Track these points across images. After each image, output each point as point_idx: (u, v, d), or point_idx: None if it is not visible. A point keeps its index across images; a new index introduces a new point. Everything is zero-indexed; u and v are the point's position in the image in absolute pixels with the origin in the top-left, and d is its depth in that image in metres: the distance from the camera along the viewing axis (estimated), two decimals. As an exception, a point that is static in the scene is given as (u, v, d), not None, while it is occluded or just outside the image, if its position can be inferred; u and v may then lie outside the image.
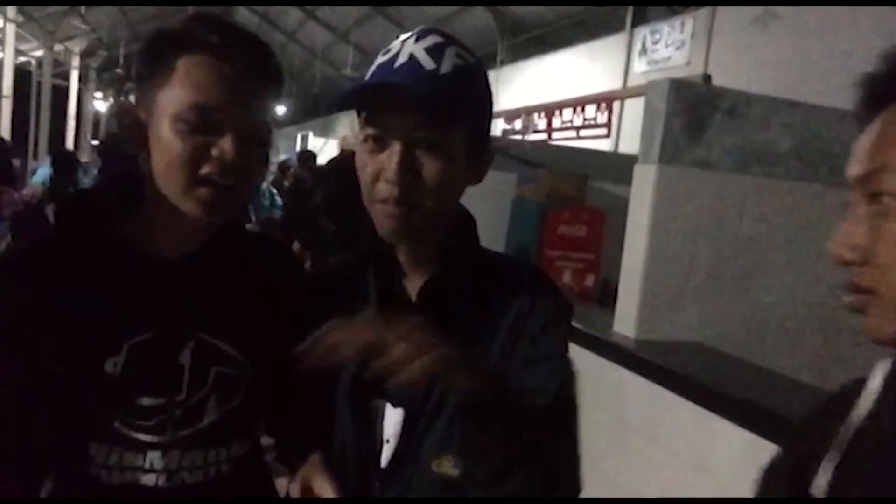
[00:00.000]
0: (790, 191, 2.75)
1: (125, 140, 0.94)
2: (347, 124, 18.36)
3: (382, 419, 0.92)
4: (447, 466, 0.87)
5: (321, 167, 5.66)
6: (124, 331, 0.90)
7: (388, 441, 0.92)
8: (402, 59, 0.88)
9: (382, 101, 0.87)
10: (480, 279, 0.95)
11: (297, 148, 13.65)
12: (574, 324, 3.18)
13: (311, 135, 13.54)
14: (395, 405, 0.92)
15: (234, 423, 0.96)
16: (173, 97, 0.86)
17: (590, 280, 4.86)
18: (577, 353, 3.13)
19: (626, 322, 2.83)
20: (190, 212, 0.89)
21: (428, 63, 0.87)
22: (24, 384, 0.87)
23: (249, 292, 1.00)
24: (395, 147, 0.87)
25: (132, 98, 0.91)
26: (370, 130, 0.89)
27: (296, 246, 4.28)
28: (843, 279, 2.65)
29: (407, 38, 0.90)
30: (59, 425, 0.89)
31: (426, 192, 0.88)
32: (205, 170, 0.87)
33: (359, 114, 0.91)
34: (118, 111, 1.11)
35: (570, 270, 4.82)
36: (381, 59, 0.91)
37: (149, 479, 0.90)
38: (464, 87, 0.89)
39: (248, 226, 4.15)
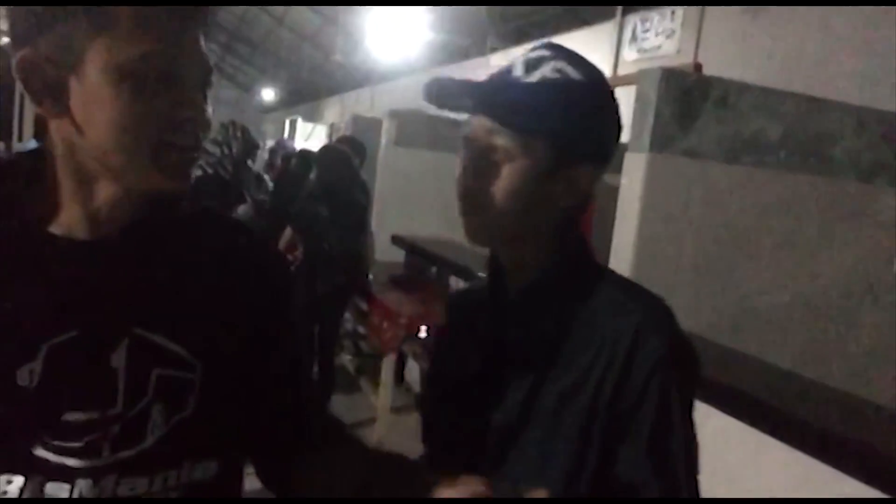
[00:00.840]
0: (780, 180, 2.76)
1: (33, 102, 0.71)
2: (336, 110, 18.27)
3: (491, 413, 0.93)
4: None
5: (313, 153, 5.62)
6: (41, 330, 0.71)
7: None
8: (502, 66, 0.89)
9: (458, 101, 0.89)
10: (566, 299, 0.90)
11: (286, 133, 13.57)
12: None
13: (299, 120, 13.47)
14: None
15: (186, 440, 0.77)
16: (117, 48, 0.68)
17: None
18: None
19: (614, 311, 2.84)
20: (154, 185, 0.73)
21: (517, 71, 0.87)
22: None
23: (199, 278, 0.81)
24: (470, 150, 0.88)
25: (33, 50, 0.70)
26: (464, 130, 0.90)
27: (288, 231, 4.26)
28: (828, 267, 2.64)
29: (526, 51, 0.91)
30: None
31: (489, 198, 0.87)
32: (169, 133, 0.71)
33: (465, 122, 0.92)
34: (18, 68, 0.62)
35: (558, 258, 4.82)
36: None
37: None
38: (549, 99, 0.85)
39: (242, 208, 4.07)
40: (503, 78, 0.88)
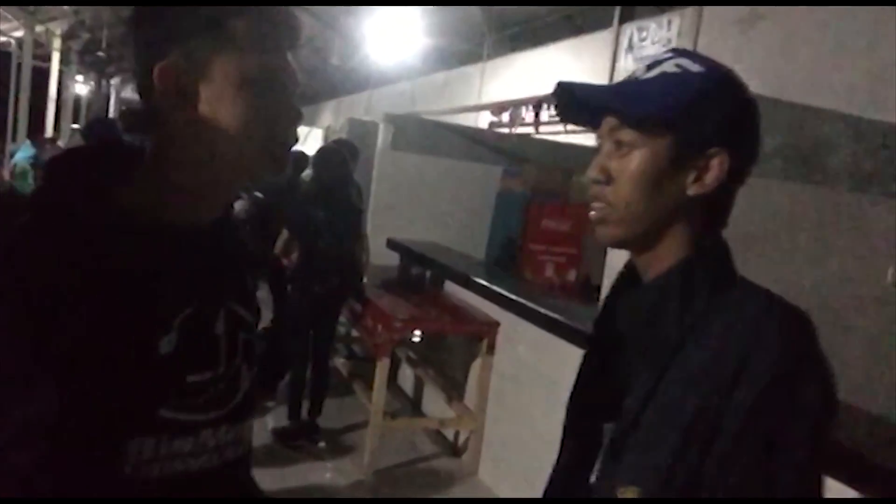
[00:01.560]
0: (777, 189, 2.77)
1: (167, 106, 0.85)
2: (332, 114, 18.26)
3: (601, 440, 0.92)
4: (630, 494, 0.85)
5: (305, 154, 5.61)
6: (172, 306, 0.85)
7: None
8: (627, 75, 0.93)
9: (579, 114, 0.94)
10: (691, 299, 0.87)
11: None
12: (558, 317, 3.16)
13: (295, 123, 13.43)
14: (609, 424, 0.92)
15: (253, 395, 0.96)
16: (237, 60, 0.84)
17: (572, 274, 4.88)
18: (561, 347, 3.13)
19: (608, 317, 2.84)
20: (262, 168, 0.88)
21: (639, 73, 0.91)
22: (48, 389, 0.76)
23: (241, 259, 1.02)
24: (595, 156, 0.91)
25: (169, 61, 0.85)
26: (596, 140, 0.93)
27: (285, 233, 4.24)
28: (823, 276, 2.64)
29: None
30: (89, 431, 0.78)
31: (616, 194, 0.88)
32: (281, 130, 0.87)
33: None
34: (159, 76, 0.74)
35: (552, 264, 4.83)
36: None
37: (202, 462, 0.87)
38: (666, 88, 0.87)
39: (239, 204, 4.05)
40: (626, 80, 0.92)
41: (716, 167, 0.87)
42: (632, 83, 0.90)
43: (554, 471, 1.03)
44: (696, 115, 0.86)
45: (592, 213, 0.92)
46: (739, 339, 0.82)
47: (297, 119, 0.90)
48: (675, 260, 0.89)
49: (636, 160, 0.87)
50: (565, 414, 1.03)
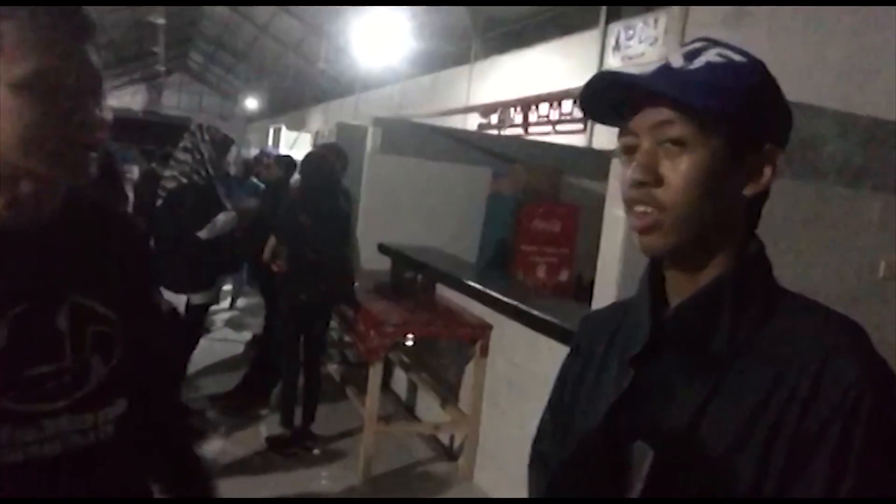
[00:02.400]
0: (765, 186, 2.76)
1: None
2: (321, 118, 18.22)
3: (635, 461, 0.84)
4: None
5: (291, 159, 5.58)
6: (2, 303, 0.87)
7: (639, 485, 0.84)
8: (654, 65, 0.82)
9: (623, 105, 0.83)
10: (742, 311, 0.81)
11: (269, 141, 13.51)
12: (551, 318, 3.13)
13: (283, 128, 13.41)
14: (651, 448, 0.84)
15: (116, 382, 0.97)
16: (8, 65, 0.81)
17: (564, 275, 4.87)
18: (554, 348, 3.12)
19: (601, 317, 2.83)
20: (59, 178, 0.88)
21: (677, 62, 0.81)
22: None
23: (106, 254, 1.01)
24: (642, 148, 0.81)
25: None
26: (623, 140, 0.84)
27: (272, 240, 4.21)
28: (815, 271, 2.63)
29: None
30: None
31: (671, 198, 0.79)
32: (70, 134, 0.85)
33: (620, 132, 0.85)
34: None
35: (544, 265, 4.82)
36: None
37: (43, 451, 0.89)
38: (722, 78, 0.79)
39: (221, 217, 4.02)
40: (665, 69, 0.81)
41: (771, 165, 0.82)
42: (682, 73, 0.80)
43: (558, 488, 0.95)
44: (754, 110, 0.80)
45: (638, 221, 0.82)
46: (811, 350, 0.76)
47: (93, 121, 0.87)
48: (721, 268, 0.83)
49: (694, 160, 0.79)
50: (565, 434, 0.95)
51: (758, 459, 0.75)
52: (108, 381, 0.96)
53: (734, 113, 0.79)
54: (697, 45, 0.83)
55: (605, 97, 0.84)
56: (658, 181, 0.80)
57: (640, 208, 0.81)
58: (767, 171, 0.82)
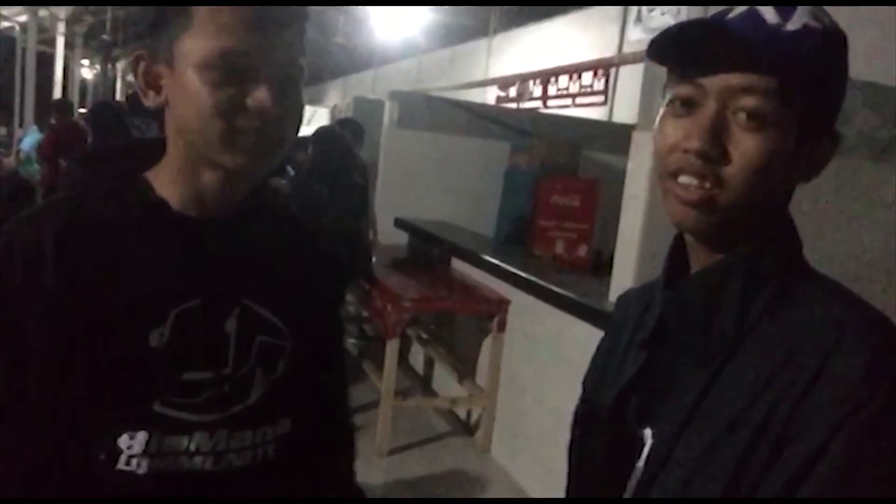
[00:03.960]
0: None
1: (140, 97, 0.84)
2: (338, 93, 18.15)
3: (638, 447, 0.80)
4: None
5: (308, 136, 5.58)
6: (171, 298, 0.81)
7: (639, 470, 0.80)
8: (738, 10, 0.71)
9: (701, 52, 0.70)
10: (753, 291, 0.74)
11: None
12: (569, 294, 3.12)
13: (301, 103, 13.38)
14: (651, 435, 0.79)
15: (280, 399, 0.89)
16: (197, 44, 0.77)
17: (582, 250, 4.82)
18: (572, 323, 3.10)
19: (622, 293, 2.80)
20: (229, 164, 0.81)
21: (771, 17, 0.69)
22: (45, 371, 0.77)
23: (286, 258, 0.93)
24: (707, 110, 0.70)
25: (142, 49, 0.83)
26: (681, 89, 0.72)
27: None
28: (840, 245, 2.57)
29: None
30: (84, 417, 0.79)
31: (733, 173, 0.69)
32: (242, 121, 0.78)
33: (670, 72, 0.75)
34: (133, 63, 0.74)
35: (562, 240, 4.77)
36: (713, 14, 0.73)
37: (194, 464, 0.82)
38: (812, 53, 0.69)
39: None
40: (757, 24, 0.69)
41: (828, 146, 0.73)
42: (778, 35, 0.68)
43: (574, 480, 0.91)
44: (832, 89, 0.71)
45: (687, 194, 0.71)
46: (818, 339, 0.68)
47: (279, 113, 0.80)
48: (743, 246, 0.74)
49: (770, 140, 0.69)
50: (587, 412, 0.90)
51: (737, 459, 0.68)
52: (270, 396, 0.88)
53: (816, 93, 0.70)
54: None
55: (677, 40, 0.72)
56: (723, 155, 0.70)
57: (689, 180, 0.71)
58: (824, 152, 0.74)
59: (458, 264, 4.50)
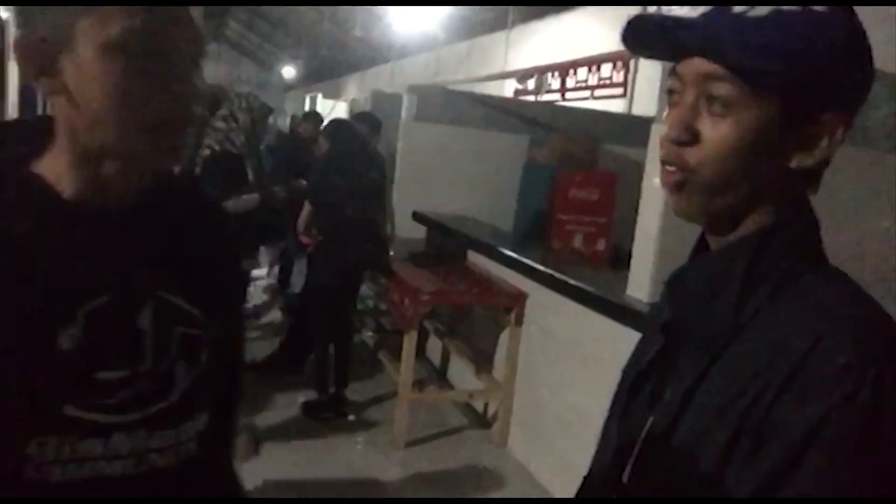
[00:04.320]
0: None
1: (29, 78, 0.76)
2: (357, 86, 18.18)
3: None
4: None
5: (323, 128, 5.60)
6: (78, 295, 0.76)
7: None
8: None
9: (661, 44, 0.73)
10: (753, 282, 0.73)
11: (306, 109, 13.55)
12: (586, 287, 3.10)
13: (319, 97, 13.40)
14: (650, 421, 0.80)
15: (201, 392, 0.85)
16: (101, 25, 0.71)
17: (601, 244, 4.80)
18: (590, 317, 3.07)
19: (640, 287, 2.78)
20: (135, 150, 0.76)
21: (740, 5, 0.70)
22: None
23: (193, 244, 0.89)
24: (684, 99, 0.73)
25: (29, 30, 0.75)
26: (669, 82, 0.75)
27: (306, 209, 4.21)
28: (862, 236, 2.53)
29: None
30: None
31: (704, 160, 0.71)
32: (148, 105, 0.74)
33: (670, 71, 0.77)
34: (17, 47, 0.75)
35: (581, 234, 4.75)
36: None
37: (113, 469, 0.77)
38: (788, 35, 0.68)
39: (245, 198, 4.04)
40: (723, 12, 0.70)
41: (829, 136, 0.71)
42: (740, 22, 0.69)
43: (590, 467, 0.92)
44: (821, 73, 0.69)
45: (666, 178, 0.75)
46: (806, 329, 0.67)
47: (192, 94, 0.76)
48: (744, 234, 0.75)
49: (738, 124, 0.70)
50: (614, 395, 0.91)
51: (723, 447, 0.68)
52: (191, 391, 0.83)
53: (795, 76, 0.69)
54: None
55: (635, 32, 0.75)
56: (694, 140, 0.72)
57: (669, 167, 0.74)
58: (824, 142, 0.71)
59: (475, 258, 4.50)
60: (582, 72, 6.57)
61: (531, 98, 6.54)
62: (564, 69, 6.58)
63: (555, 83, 7.11)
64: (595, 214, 4.76)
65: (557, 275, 3.44)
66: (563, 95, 6.96)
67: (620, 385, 0.91)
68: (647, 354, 0.85)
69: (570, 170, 4.77)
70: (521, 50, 10.21)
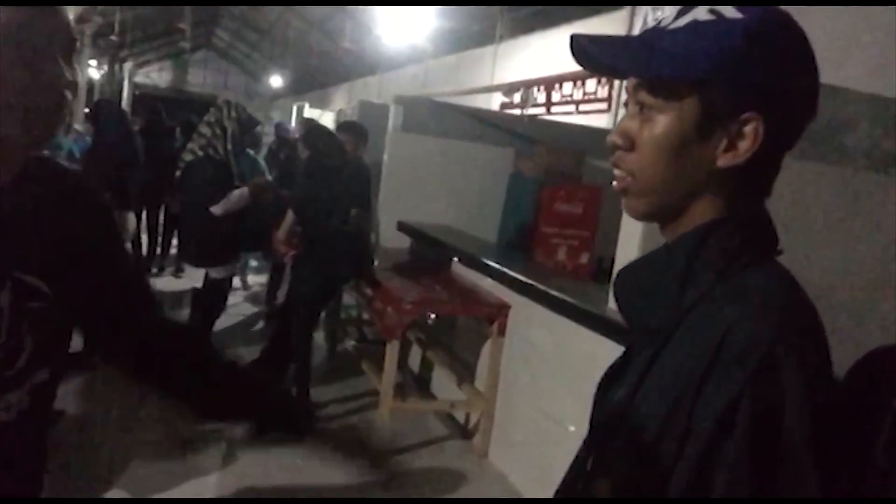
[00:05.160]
0: (791, 170, 2.71)
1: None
2: (344, 97, 18.20)
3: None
4: (604, 492, 0.80)
5: (302, 135, 5.61)
6: None
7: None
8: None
9: (590, 58, 0.80)
10: (697, 281, 0.76)
11: (293, 119, 13.55)
12: (569, 299, 3.11)
13: (306, 106, 13.41)
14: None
15: (44, 356, 0.94)
16: None
17: (584, 258, 4.84)
18: (572, 329, 3.08)
19: (620, 299, 2.81)
20: (15, 144, 0.82)
21: (667, 20, 0.77)
22: None
23: (53, 223, 0.94)
24: (628, 111, 0.81)
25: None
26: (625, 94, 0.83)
27: (289, 216, 4.21)
28: (839, 257, 2.56)
29: None
30: None
31: (639, 163, 0.78)
32: (30, 95, 0.78)
33: None
34: None
35: (565, 247, 4.79)
36: None
37: None
38: (696, 43, 0.73)
39: (237, 193, 4.05)
40: (650, 29, 0.78)
41: (749, 135, 0.75)
42: (655, 34, 0.76)
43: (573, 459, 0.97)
44: (729, 75, 0.73)
45: (615, 182, 0.82)
46: (725, 317, 0.71)
47: (60, 82, 0.80)
48: (680, 232, 0.80)
49: (659, 126, 0.76)
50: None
51: (661, 423, 0.72)
52: (35, 356, 0.92)
53: (704, 78, 0.74)
54: None
55: (576, 49, 0.81)
56: (631, 146, 0.79)
57: (617, 171, 0.81)
58: (746, 141, 0.75)
59: (459, 269, 4.52)
60: (567, 86, 6.60)
61: (517, 111, 6.58)
62: (550, 83, 6.62)
63: (540, 97, 7.15)
64: (579, 228, 4.80)
65: (541, 287, 3.47)
66: (548, 109, 7.00)
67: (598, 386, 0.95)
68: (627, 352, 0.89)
69: (554, 183, 4.81)
70: (509, 64, 10.27)
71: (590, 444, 0.87)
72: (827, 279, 2.71)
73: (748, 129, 0.74)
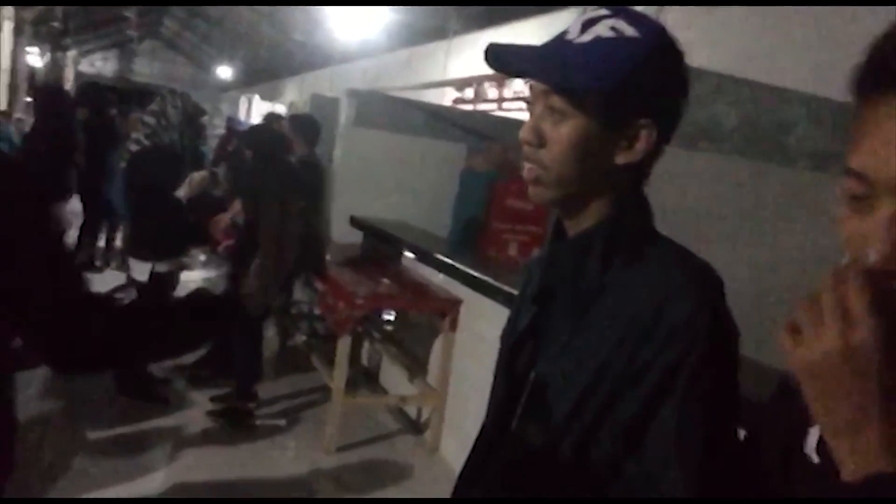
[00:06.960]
0: (737, 165, 2.78)
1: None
2: (296, 90, 17.98)
3: (525, 388, 0.98)
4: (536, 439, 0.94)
5: (241, 137, 5.52)
6: None
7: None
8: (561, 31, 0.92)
9: (505, 65, 0.93)
10: (612, 256, 0.91)
11: (242, 112, 13.32)
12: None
13: (256, 98, 13.22)
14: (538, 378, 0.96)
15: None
16: None
17: (535, 253, 4.88)
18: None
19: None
20: None
21: (572, 33, 0.89)
22: None
23: None
24: (534, 111, 0.92)
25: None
26: (527, 95, 0.94)
27: (235, 207, 4.13)
28: (780, 254, 2.65)
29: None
30: None
31: (549, 159, 0.90)
32: None
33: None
34: None
35: (516, 243, 4.82)
36: None
37: None
38: (600, 57, 0.86)
39: (197, 174, 3.96)
40: (557, 41, 0.90)
41: (644, 138, 0.89)
42: (564, 47, 0.89)
43: (483, 424, 1.10)
44: (628, 86, 0.86)
45: (527, 174, 0.93)
46: (655, 290, 0.86)
47: None
48: (599, 219, 0.93)
49: (568, 128, 0.88)
50: (494, 371, 1.09)
51: (582, 390, 0.87)
52: None
53: (606, 89, 0.86)
54: (600, 12, 0.90)
55: (490, 56, 0.93)
56: (541, 143, 0.90)
57: (527, 164, 0.92)
58: (641, 142, 0.89)
59: (412, 263, 4.51)
60: (518, 83, 6.66)
61: (469, 107, 6.61)
62: (501, 80, 6.67)
63: (492, 93, 7.19)
64: (530, 223, 4.83)
65: (492, 281, 3.49)
66: (500, 105, 7.05)
67: (501, 350, 1.09)
68: (521, 322, 1.02)
69: (506, 179, 4.84)
70: (461, 59, 10.28)
71: (512, 404, 0.98)
72: (772, 261, 2.79)
73: (644, 132, 0.89)
